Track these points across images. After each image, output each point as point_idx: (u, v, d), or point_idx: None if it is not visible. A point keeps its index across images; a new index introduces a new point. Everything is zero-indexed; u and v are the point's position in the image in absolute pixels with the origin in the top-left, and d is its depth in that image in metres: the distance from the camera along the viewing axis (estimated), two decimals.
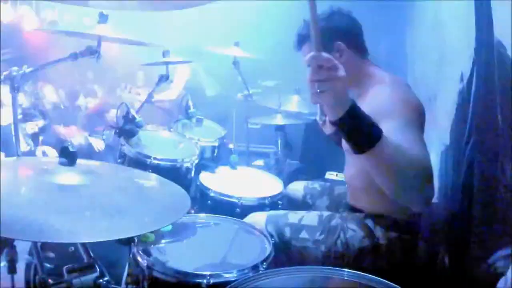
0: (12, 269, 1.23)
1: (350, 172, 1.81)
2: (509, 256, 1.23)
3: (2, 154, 2.96)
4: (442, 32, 2.60)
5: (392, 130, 1.37)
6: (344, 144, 1.82)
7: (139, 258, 1.33)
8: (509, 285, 1.15)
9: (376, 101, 1.54)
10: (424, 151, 1.36)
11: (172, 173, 1.92)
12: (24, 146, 3.01)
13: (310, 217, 1.72)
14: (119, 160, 1.99)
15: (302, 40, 1.78)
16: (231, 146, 3.59)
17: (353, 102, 1.12)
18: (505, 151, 1.48)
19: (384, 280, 1.14)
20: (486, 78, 1.67)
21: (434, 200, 2.46)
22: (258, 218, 1.73)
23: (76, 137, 4.20)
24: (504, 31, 1.51)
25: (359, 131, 1.14)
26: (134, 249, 1.36)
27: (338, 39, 1.69)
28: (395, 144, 1.23)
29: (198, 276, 1.28)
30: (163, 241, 1.46)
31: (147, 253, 1.35)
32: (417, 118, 1.51)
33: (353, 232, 1.64)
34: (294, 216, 1.73)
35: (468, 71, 1.87)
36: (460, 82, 2.00)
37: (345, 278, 1.18)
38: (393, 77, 1.67)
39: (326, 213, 1.74)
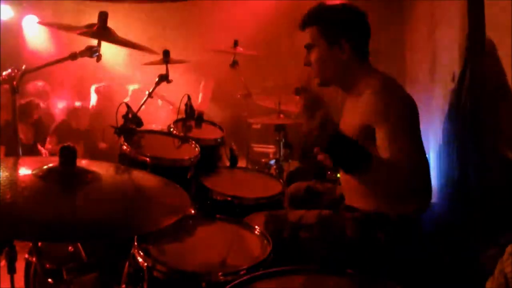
0: (11, 269, 1.23)
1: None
2: (497, 255, 1.23)
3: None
4: (436, 33, 2.61)
5: (384, 135, 1.41)
6: None
7: (139, 258, 1.33)
8: (493, 285, 1.15)
9: (369, 108, 1.56)
10: (417, 154, 1.40)
11: (172, 173, 1.92)
12: None
13: (309, 216, 1.72)
14: (119, 160, 1.98)
15: (309, 20, 1.74)
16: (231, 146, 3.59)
17: (336, 131, 1.21)
18: (496, 150, 1.49)
19: (382, 278, 1.14)
20: (478, 77, 1.68)
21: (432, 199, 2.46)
22: (257, 218, 1.73)
23: None
24: (498, 30, 1.52)
25: (345, 157, 1.24)
26: (134, 249, 1.36)
27: (344, 37, 1.68)
28: (384, 162, 1.28)
29: (198, 276, 1.27)
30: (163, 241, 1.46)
31: (147, 253, 1.35)
32: (410, 121, 1.52)
33: (351, 231, 1.63)
34: (293, 215, 1.73)
35: (459, 71, 1.88)
36: (451, 81, 2.01)
37: (343, 277, 1.19)
38: (386, 81, 1.66)
39: (325, 212, 1.74)
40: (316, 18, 1.73)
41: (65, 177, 1.09)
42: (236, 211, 1.92)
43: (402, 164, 1.35)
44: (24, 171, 1.12)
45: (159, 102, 4.94)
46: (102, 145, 4.43)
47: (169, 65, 2.43)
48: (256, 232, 1.59)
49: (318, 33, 1.71)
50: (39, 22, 4.36)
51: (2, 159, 1.24)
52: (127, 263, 1.40)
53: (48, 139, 4.23)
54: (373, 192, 1.61)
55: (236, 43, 3.12)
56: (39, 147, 4.03)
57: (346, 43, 1.67)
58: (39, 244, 1.34)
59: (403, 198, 1.37)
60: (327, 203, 2.03)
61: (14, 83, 1.64)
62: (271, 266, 1.32)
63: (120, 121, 1.98)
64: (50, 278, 1.16)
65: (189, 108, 2.46)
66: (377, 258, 1.60)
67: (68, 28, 2.14)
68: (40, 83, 4.55)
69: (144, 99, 2.29)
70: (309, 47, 1.75)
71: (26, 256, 1.56)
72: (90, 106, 4.71)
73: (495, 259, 1.21)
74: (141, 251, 1.34)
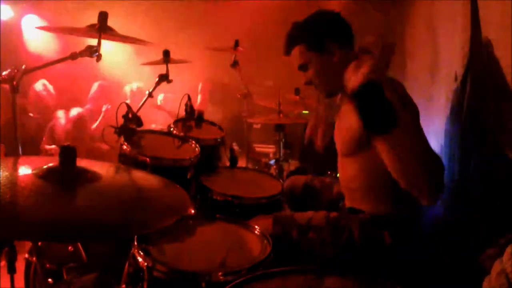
0: (11, 269, 1.23)
1: (345, 174, 1.81)
2: (496, 255, 1.23)
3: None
4: (436, 33, 2.61)
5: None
6: (338, 145, 1.82)
7: (139, 258, 1.33)
8: (492, 285, 1.14)
9: None
10: (428, 150, 1.39)
11: (172, 173, 1.91)
12: None
13: (318, 218, 1.71)
14: (119, 160, 1.98)
15: (291, 42, 1.76)
16: (231, 146, 3.60)
17: (373, 80, 1.13)
18: (497, 150, 1.49)
19: (383, 278, 1.14)
20: (480, 77, 1.68)
21: None
22: (264, 220, 1.73)
23: None
24: (498, 30, 1.52)
25: (374, 109, 1.13)
26: (134, 249, 1.36)
27: (328, 39, 1.69)
28: (411, 134, 1.25)
29: (198, 276, 1.27)
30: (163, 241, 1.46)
31: (147, 253, 1.35)
32: (415, 118, 1.52)
33: (358, 232, 1.63)
34: (301, 217, 1.72)
35: (461, 71, 1.88)
36: (454, 82, 2.01)
37: (343, 277, 1.19)
38: (388, 79, 1.65)
39: (333, 214, 1.74)
40: (296, 38, 1.74)
41: (65, 177, 1.09)
42: (236, 211, 1.92)
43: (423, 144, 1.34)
44: (24, 170, 1.12)
45: (159, 102, 4.95)
46: (100, 145, 4.41)
47: (169, 65, 2.43)
48: (256, 232, 1.59)
49: (304, 50, 1.73)
50: (38, 27, 4.32)
51: (2, 159, 1.24)
52: (127, 263, 1.40)
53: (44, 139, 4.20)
54: (377, 190, 1.61)
55: (236, 43, 3.11)
56: (44, 145, 4.02)
57: (332, 44, 1.68)
58: (39, 244, 1.34)
59: (414, 190, 1.32)
60: (326, 202, 2.03)
61: (14, 83, 1.64)
62: (275, 265, 1.32)
63: (120, 121, 1.98)
64: (50, 278, 1.16)
65: (189, 108, 2.46)
66: (383, 260, 1.60)
67: (69, 31, 2.15)
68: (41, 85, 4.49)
69: (144, 99, 2.29)
70: (303, 68, 1.77)
71: (26, 256, 1.56)
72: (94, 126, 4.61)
73: (495, 259, 1.21)
74: (141, 251, 1.34)
